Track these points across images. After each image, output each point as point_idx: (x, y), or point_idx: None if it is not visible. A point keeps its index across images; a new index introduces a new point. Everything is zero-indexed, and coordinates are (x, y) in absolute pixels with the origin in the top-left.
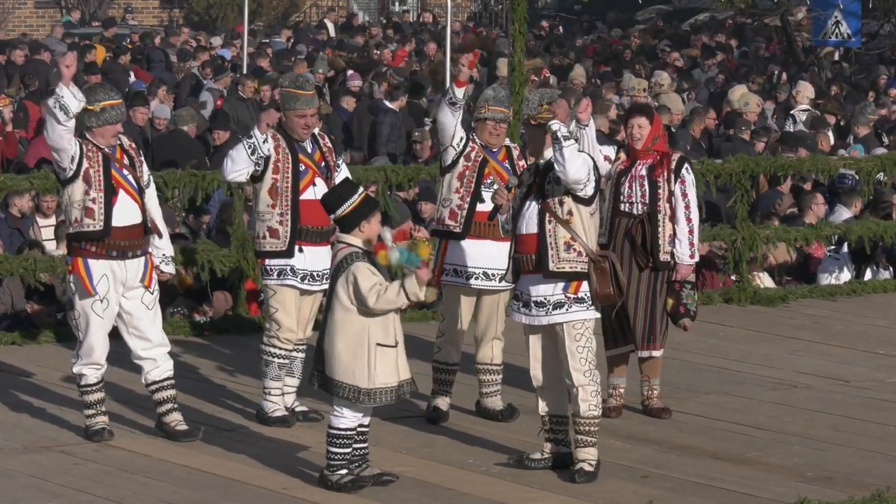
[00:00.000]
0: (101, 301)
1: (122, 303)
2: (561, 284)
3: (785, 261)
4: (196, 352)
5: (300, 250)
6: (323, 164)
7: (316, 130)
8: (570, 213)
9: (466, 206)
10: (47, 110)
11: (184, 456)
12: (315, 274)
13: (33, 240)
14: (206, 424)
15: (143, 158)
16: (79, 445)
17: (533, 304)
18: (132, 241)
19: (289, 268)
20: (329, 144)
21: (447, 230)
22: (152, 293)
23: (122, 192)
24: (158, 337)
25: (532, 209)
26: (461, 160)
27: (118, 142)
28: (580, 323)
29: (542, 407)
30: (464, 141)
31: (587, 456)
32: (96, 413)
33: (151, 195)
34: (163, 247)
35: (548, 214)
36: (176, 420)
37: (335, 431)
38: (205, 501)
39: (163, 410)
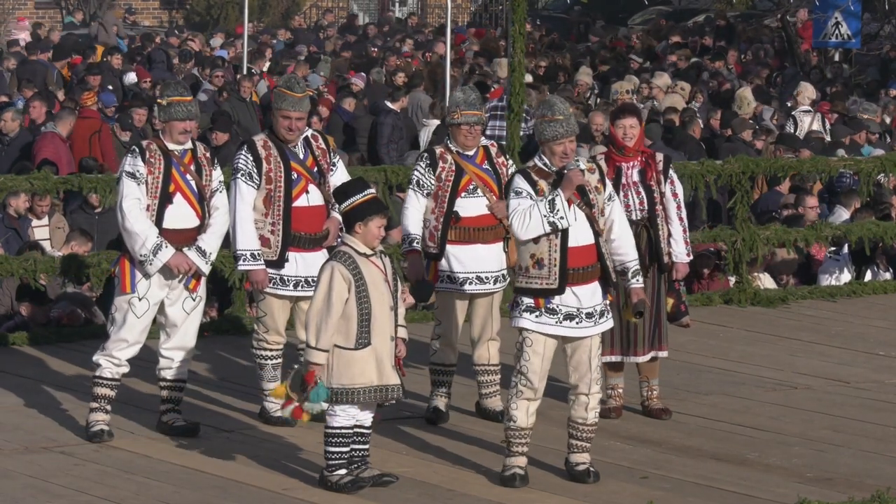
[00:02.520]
0: (140, 300)
1: (165, 306)
2: (600, 292)
3: (785, 259)
4: (196, 352)
5: (288, 260)
6: (315, 168)
7: (309, 132)
8: (604, 223)
9: (441, 226)
10: (140, 244)
11: (184, 456)
12: (310, 279)
13: (33, 241)
14: (206, 424)
15: (215, 168)
16: (79, 446)
17: (584, 316)
18: (181, 245)
19: (278, 277)
20: (322, 146)
21: (427, 252)
22: (194, 300)
23: (178, 196)
24: (186, 342)
25: (581, 218)
26: (434, 182)
27: (190, 145)
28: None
29: (532, 419)
30: (432, 168)
31: (585, 459)
32: (99, 408)
33: (217, 203)
34: (201, 239)
35: (595, 225)
36: (173, 419)
37: (330, 430)
38: (205, 501)
39: (164, 409)
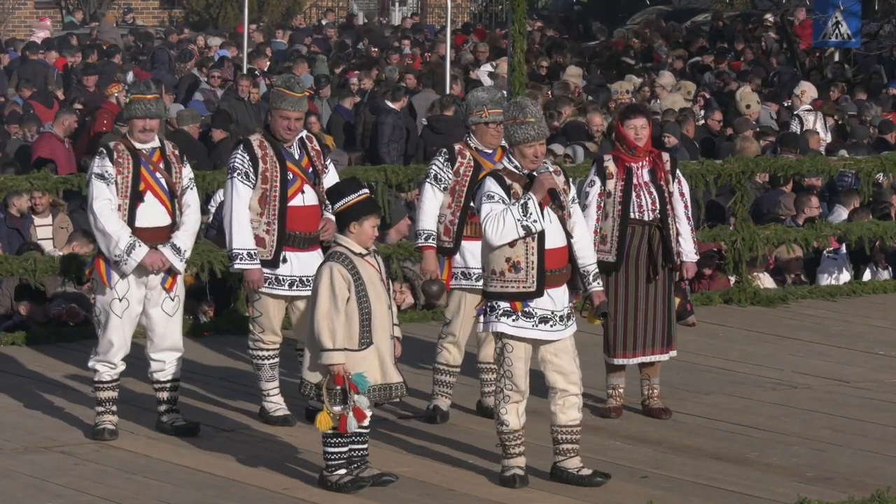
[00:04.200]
0: (121, 300)
1: (146, 307)
2: (568, 295)
3: (788, 258)
4: (196, 352)
5: (284, 260)
6: (311, 169)
7: (304, 133)
8: (570, 226)
9: (457, 220)
10: (113, 245)
11: (184, 456)
12: (305, 279)
13: (32, 241)
14: (205, 424)
15: (185, 165)
16: (79, 445)
17: (557, 319)
18: (155, 243)
19: (273, 277)
20: (317, 147)
21: (442, 246)
22: (173, 299)
23: (149, 195)
24: (173, 342)
25: (554, 221)
26: (452, 177)
27: (157, 143)
28: None
29: (523, 419)
30: (450, 163)
31: (580, 461)
32: (105, 411)
33: (188, 200)
34: (175, 236)
35: (566, 228)
36: (173, 419)
37: (335, 430)
38: (205, 501)
39: (162, 410)
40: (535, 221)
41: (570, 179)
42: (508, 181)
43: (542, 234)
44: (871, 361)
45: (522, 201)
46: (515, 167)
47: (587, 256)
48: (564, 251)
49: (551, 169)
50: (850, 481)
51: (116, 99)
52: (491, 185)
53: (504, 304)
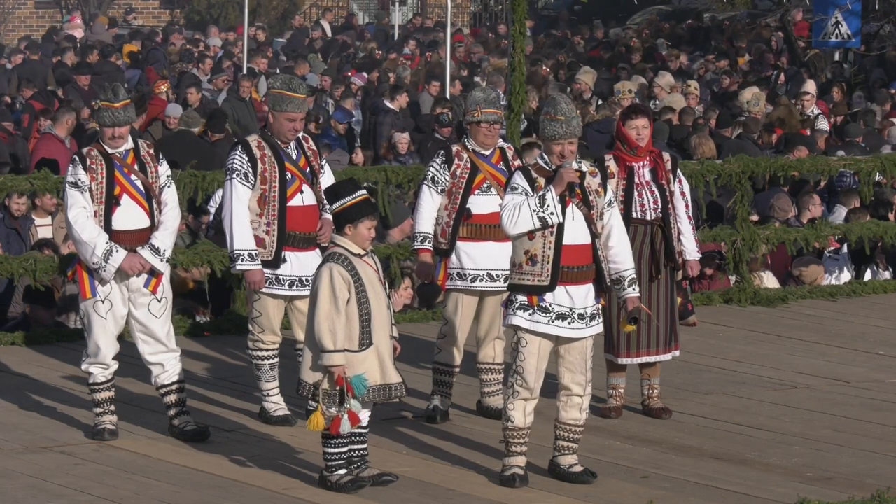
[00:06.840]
0: (103, 302)
1: (132, 311)
2: (594, 295)
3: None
4: (196, 352)
5: (284, 260)
6: (308, 169)
7: (300, 134)
8: (602, 227)
9: (453, 222)
10: (90, 253)
11: (184, 456)
12: (304, 279)
13: (46, 239)
14: (206, 424)
15: (160, 164)
16: (79, 445)
17: (576, 317)
18: (135, 246)
19: (274, 277)
20: (313, 147)
21: (438, 247)
22: (160, 300)
23: (125, 198)
24: (167, 342)
25: (578, 218)
26: (449, 179)
27: (131, 145)
28: None
29: (530, 419)
30: (447, 165)
31: (576, 460)
32: (104, 412)
33: (167, 198)
34: (154, 237)
35: (592, 227)
36: (184, 422)
37: (328, 432)
38: (205, 501)
39: (173, 413)
40: (551, 214)
41: (607, 181)
42: (535, 175)
43: (560, 229)
44: (872, 361)
45: (541, 193)
46: (546, 163)
47: (624, 262)
48: (587, 249)
49: (586, 169)
50: (850, 481)
51: (166, 95)
52: (517, 178)
53: (521, 298)
